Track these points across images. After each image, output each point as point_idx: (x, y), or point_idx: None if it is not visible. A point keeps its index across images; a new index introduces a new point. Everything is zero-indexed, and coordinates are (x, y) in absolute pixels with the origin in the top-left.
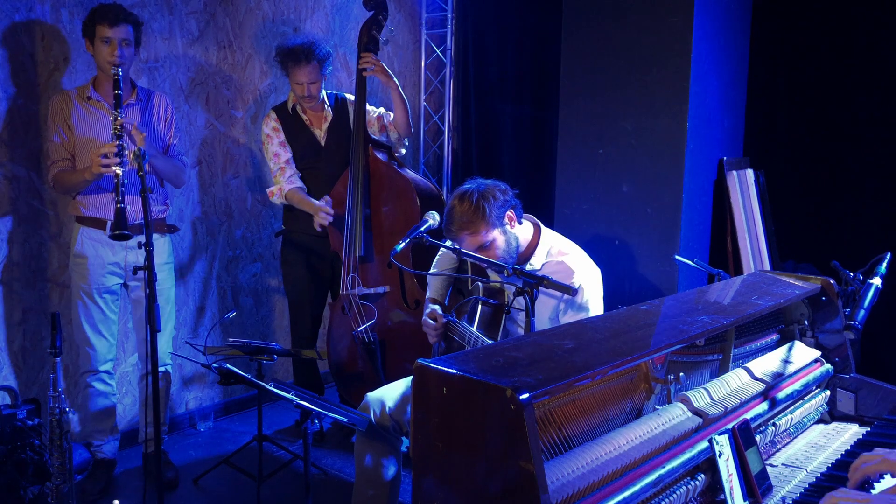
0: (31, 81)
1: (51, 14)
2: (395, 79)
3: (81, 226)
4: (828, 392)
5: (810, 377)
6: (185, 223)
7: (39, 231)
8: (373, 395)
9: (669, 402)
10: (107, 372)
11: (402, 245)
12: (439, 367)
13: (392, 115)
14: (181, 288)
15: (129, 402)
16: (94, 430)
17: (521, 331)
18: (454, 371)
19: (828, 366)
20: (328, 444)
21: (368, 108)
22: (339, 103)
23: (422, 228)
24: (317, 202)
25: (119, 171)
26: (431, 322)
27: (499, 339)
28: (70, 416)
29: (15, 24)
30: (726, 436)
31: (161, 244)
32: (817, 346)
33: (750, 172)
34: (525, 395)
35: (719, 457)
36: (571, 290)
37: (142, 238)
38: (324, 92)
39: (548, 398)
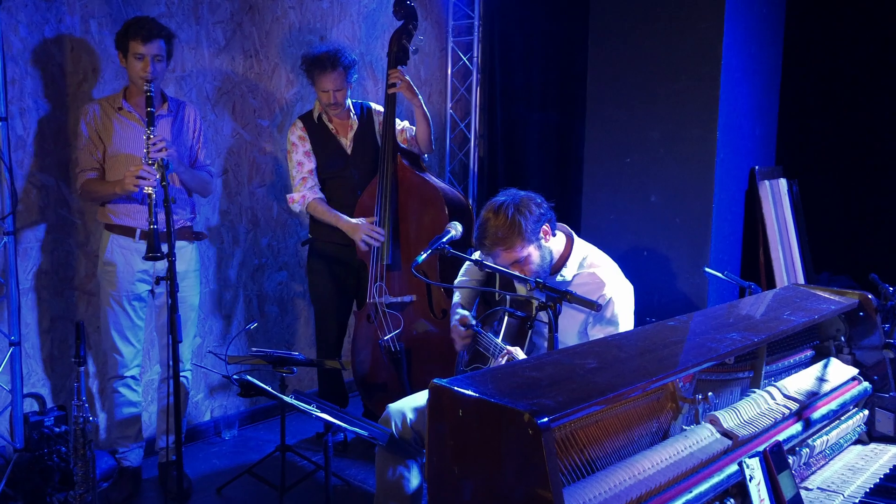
0: (60, 92)
1: (80, 26)
2: (419, 96)
3: (111, 233)
4: (866, 412)
5: (847, 396)
6: (212, 232)
7: (67, 240)
8: (394, 407)
9: (697, 423)
10: (133, 377)
11: (424, 256)
12: (455, 388)
13: (415, 129)
14: (207, 296)
15: (154, 409)
16: (119, 437)
17: (547, 344)
18: (470, 393)
19: (866, 384)
20: (351, 455)
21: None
22: (364, 112)
23: (443, 239)
24: (354, 220)
25: (152, 191)
26: (462, 329)
27: (524, 350)
28: (96, 422)
29: (45, 36)
30: (757, 458)
31: (189, 251)
32: (854, 363)
33: (783, 182)
34: (544, 419)
35: (750, 481)
36: (595, 306)
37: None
38: (349, 100)
39: (568, 421)
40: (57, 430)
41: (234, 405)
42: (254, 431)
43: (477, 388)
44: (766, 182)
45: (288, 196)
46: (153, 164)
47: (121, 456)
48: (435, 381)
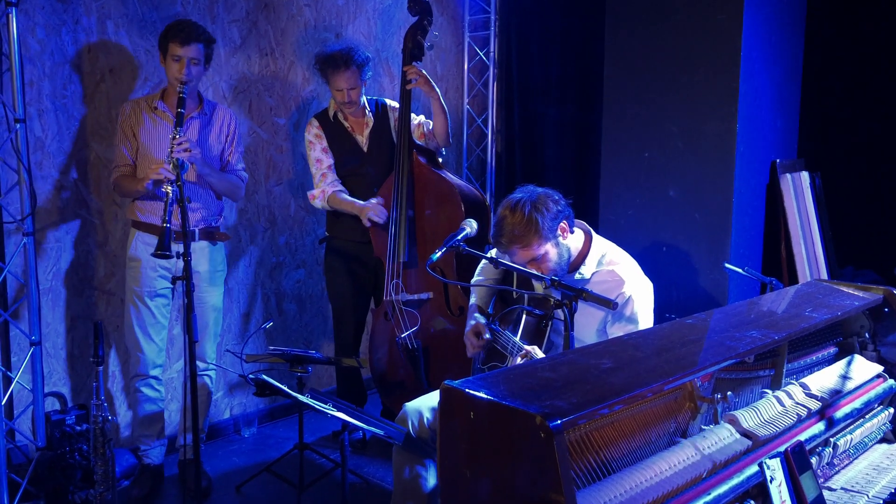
0: (77, 93)
1: (97, 27)
2: (437, 90)
3: (137, 230)
4: (891, 409)
5: (872, 394)
6: (229, 230)
7: (86, 239)
8: (411, 406)
9: (716, 423)
10: (155, 377)
11: (439, 254)
12: (467, 390)
13: (432, 123)
14: (225, 295)
15: (174, 407)
16: (141, 435)
17: (563, 342)
18: (482, 395)
19: (891, 381)
20: (370, 452)
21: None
22: (379, 109)
23: (458, 237)
24: (363, 202)
25: (170, 189)
26: (474, 339)
27: (542, 349)
28: (115, 421)
29: (62, 37)
30: (778, 459)
31: (214, 251)
32: (879, 360)
33: (805, 175)
34: (556, 422)
35: (771, 482)
36: (612, 304)
37: (197, 245)
38: (364, 97)
39: (582, 423)
40: (78, 428)
41: (253, 403)
42: (273, 429)
43: (489, 390)
44: (788, 175)
45: (308, 193)
46: (174, 158)
47: (142, 453)
48: (446, 382)
